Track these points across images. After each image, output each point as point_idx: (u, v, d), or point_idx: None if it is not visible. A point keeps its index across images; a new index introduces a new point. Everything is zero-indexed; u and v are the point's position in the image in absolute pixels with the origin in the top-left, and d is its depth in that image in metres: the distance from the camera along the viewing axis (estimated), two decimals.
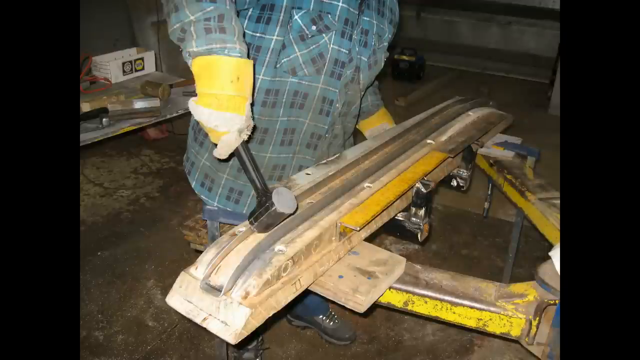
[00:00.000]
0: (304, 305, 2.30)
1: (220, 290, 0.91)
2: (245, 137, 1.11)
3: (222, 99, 1.07)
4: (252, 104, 1.13)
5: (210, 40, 1.08)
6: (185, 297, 0.94)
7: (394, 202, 1.23)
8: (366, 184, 1.25)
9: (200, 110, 1.08)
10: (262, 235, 1.00)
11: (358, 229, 1.11)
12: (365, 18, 1.46)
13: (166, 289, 2.59)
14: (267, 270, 0.93)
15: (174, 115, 2.68)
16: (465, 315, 1.11)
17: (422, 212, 1.31)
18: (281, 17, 1.34)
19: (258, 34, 1.36)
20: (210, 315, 0.90)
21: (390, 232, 1.37)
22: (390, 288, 1.13)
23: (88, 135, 2.25)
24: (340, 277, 1.08)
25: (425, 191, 1.29)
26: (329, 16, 1.35)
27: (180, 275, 0.96)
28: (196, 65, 1.10)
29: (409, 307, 1.15)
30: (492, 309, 1.08)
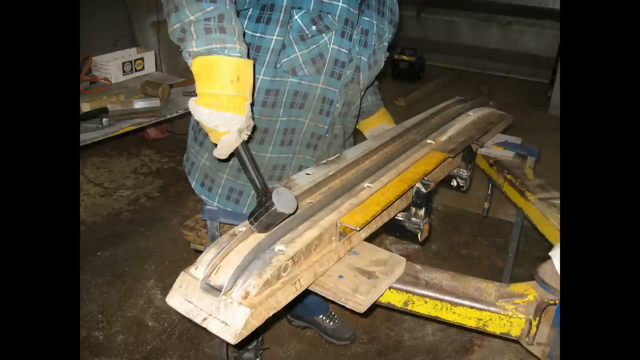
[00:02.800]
0: (304, 305, 2.30)
1: (220, 290, 0.91)
2: (245, 137, 1.11)
3: (222, 99, 1.07)
4: (252, 104, 1.13)
5: (210, 40, 1.08)
6: (185, 297, 0.94)
7: (394, 202, 1.23)
8: (366, 184, 1.25)
9: (200, 110, 1.08)
10: (262, 235, 1.00)
11: (358, 229, 1.11)
12: (365, 18, 1.46)
13: (166, 289, 2.59)
14: (267, 270, 0.93)
15: (174, 115, 2.68)
16: (465, 315, 1.11)
17: (422, 212, 1.31)
18: (281, 17, 1.34)
19: (258, 34, 1.36)
20: (210, 315, 0.90)
21: (390, 232, 1.37)
22: (390, 288, 1.13)
23: (88, 135, 2.25)
24: (340, 277, 1.08)
25: (425, 191, 1.29)
26: (329, 16, 1.35)
27: (180, 275, 0.96)
28: (196, 65, 1.10)
29: (409, 307, 1.15)
30: (492, 309, 1.08)
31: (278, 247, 0.99)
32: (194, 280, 0.94)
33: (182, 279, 0.95)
